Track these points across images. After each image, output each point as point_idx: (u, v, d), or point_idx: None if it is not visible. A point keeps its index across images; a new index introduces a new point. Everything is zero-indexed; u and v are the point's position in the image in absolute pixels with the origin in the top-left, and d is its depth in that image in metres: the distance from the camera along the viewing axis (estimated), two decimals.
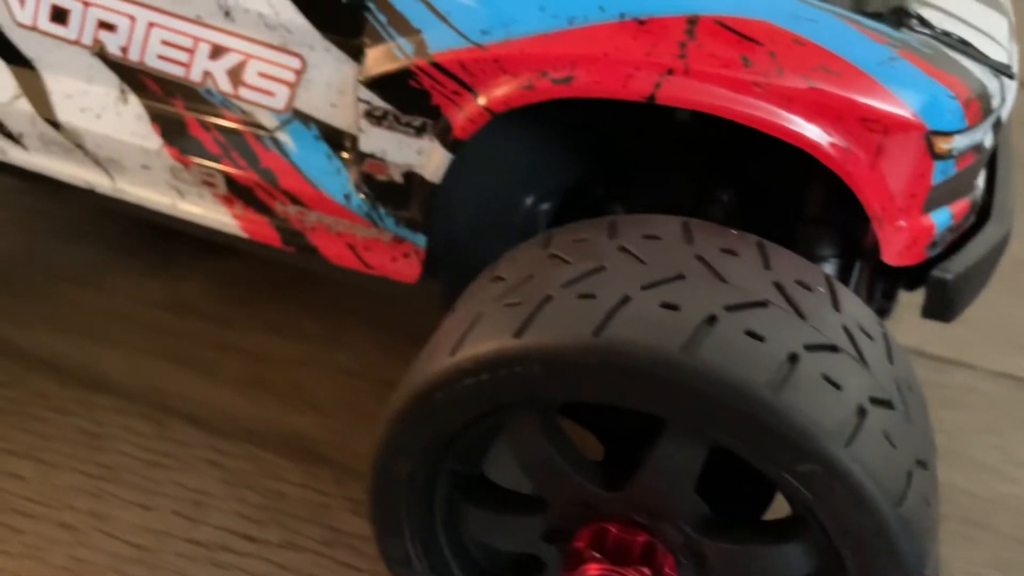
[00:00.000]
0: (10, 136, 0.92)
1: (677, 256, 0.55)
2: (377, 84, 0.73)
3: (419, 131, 0.74)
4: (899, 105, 0.65)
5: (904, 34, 0.70)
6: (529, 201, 0.86)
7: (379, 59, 0.73)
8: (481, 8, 0.69)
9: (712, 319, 0.53)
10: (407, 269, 0.84)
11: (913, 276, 0.78)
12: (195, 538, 0.84)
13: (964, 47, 0.72)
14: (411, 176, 0.77)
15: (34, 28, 0.85)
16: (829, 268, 0.79)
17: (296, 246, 0.87)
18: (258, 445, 0.91)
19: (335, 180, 0.81)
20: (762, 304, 0.56)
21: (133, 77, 0.85)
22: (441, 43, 0.70)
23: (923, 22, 0.72)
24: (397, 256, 0.84)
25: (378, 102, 0.74)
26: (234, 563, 0.82)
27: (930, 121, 0.66)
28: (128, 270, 1.12)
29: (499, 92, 0.68)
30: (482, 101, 0.69)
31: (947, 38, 0.71)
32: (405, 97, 0.73)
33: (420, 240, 0.81)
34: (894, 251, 0.72)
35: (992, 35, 0.77)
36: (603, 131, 0.83)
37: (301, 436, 0.92)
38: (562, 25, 0.67)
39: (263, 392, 0.97)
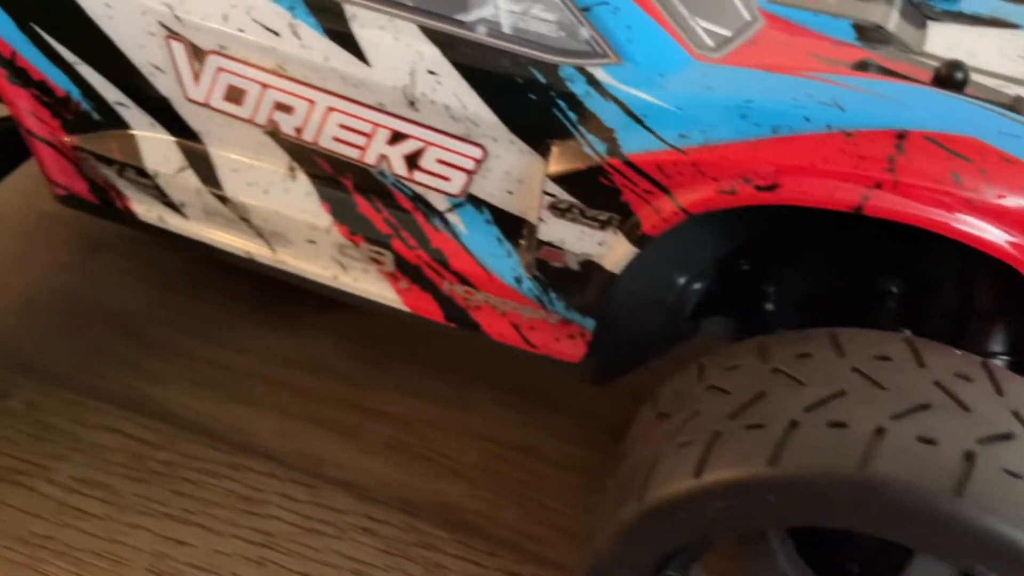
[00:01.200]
0: (171, 205, 0.94)
1: (914, 381, 0.56)
2: (565, 179, 0.75)
3: (604, 224, 0.76)
4: None
5: None
6: (683, 281, 0.88)
7: (568, 155, 0.75)
8: (679, 113, 0.71)
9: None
10: (572, 349, 0.85)
11: None
12: None
13: None
14: (589, 265, 0.79)
15: (206, 105, 0.87)
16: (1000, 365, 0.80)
17: (459, 322, 0.88)
18: (409, 513, 0.93)
19: (505, 263, 0.83)
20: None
21: (304, 155, 0.87)
22: (636, 144, 0.72)
23: None
24: (562, 336, 0.85)
25: (564, 195, 0.76)
26: None
27: None
28: (256, 326, 1.14)
29: (698, 195, 0.70)
30: (679, 202, 0.71)
31: None
32: (593, 193, 0.74)
33: (589, 324, 0.82)
34: None
35: None
36: (763, 213, 0.85)
37: (450, 504, 0.94)
38: (765, 134, 0.68)
39: (407, 457, 0.99)
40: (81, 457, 0.96)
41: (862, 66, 0.77)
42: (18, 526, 0.89)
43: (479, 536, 0.90)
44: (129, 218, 0.97)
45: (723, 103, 0.69)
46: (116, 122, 0.91)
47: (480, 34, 0.76)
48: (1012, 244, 0.68)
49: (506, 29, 0.76)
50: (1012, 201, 0.64)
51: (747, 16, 0.83)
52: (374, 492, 0.94)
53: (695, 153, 0.69)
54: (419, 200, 0.84)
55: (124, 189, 0.95)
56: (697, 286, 0.87)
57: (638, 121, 0.72)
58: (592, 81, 0.74)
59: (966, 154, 0.65)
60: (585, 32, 0.74)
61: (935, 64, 0.77)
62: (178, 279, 1.20)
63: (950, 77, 0.73)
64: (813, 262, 0.87)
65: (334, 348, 1.12)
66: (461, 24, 0.77)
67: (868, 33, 0.82)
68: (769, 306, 0.89)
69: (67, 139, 0.93)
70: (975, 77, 0.77)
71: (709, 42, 0.77)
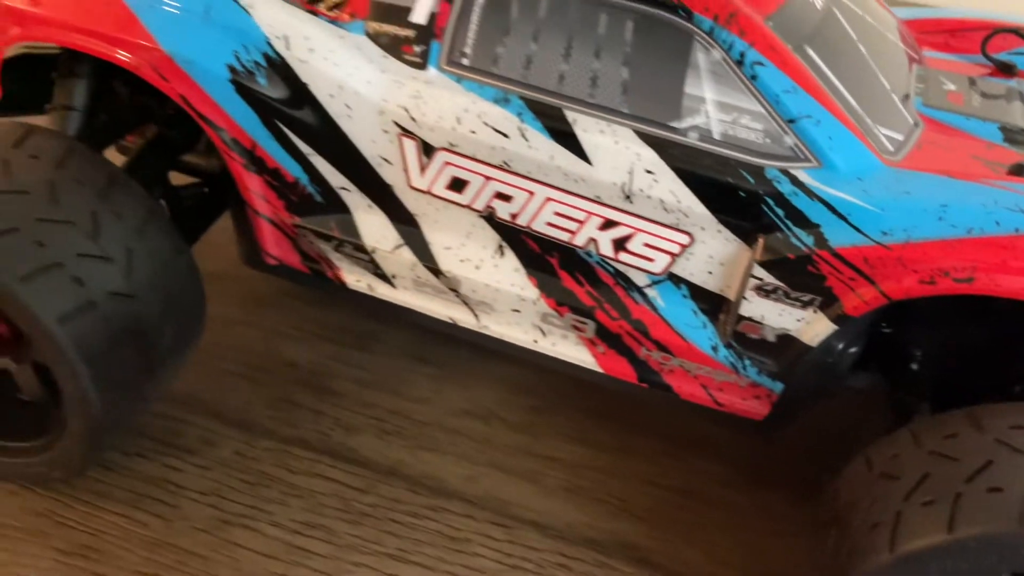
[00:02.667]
0: (382, 276, 1.05)
1: None
2: (773, 265, 0.86)
3: (806, 304, 0.87)
4: None
5: None
6: (841, 346, 0.99)
7: (776, 245, 0.86)
8: (882, 213, 0.82)
9: None
10: (757, 408, 0.97)
11: None
12: None
13: None
14: (786, 338, 0.90)
15: (428, 192, 0.99)
16: None
17: (651, 383, 1.00)
18: (598, 551, 1.04)
19: (701, 333, 0.95)
20: None
21: (514, 237, 0.99)
22: (842, 239, 0.84)
23: None
24: (748, 397, 0.97)
25: (770, 279, 0.87)
26: None
27: None
28: (426, 378, 1.25)
29: (900, 284, 0.81)
30: (882, 289, 0.82)
31: None
32: (800, 278, 0.86)
33: (778, 387, 0.94)
34: None
35: None
36: None
37: (632, 543, 1.04)
38: (961, 234, 0.80)
39: (584, 499, 1.10)
40: (297, 502, 1.07)
41: (1019, 168, 0.89)
42: (257, 567, 0.99)
43: (663, 572, 1.01)
44: (338, 286, 1.08)
45: (921, 206, 0.81)
46: (337, 204, 1.03)
47: (692, 139, 0.88)
48: None
49: (716, 135, 0.88)
50: None
51: (911, 120, 0.95)
52: (562, 532, 1.05)
53: (899, 249, 0.81)
54: (621, 277, 0.96)
55: (337, 261, 1.06)
56: (853, 350, 0.99)
57: (843, 219, 0.83)
58: (796, 182, 0.85)
59: None
60: (790, 140, 0.86)
61: None
62: (343, 334, 1.31)
63: None
64: (953, 328, 0.99)
65: (498, 398, 1.23)
66: (675, 130, 0.89)
67: (1014, 135, 0.94)
68: (914, 366, 1.01)
69: (289, 218, 1.05)
70: None
71: (890, 147, 0.89)
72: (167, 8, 0.94)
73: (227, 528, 1.03)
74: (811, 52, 0.89)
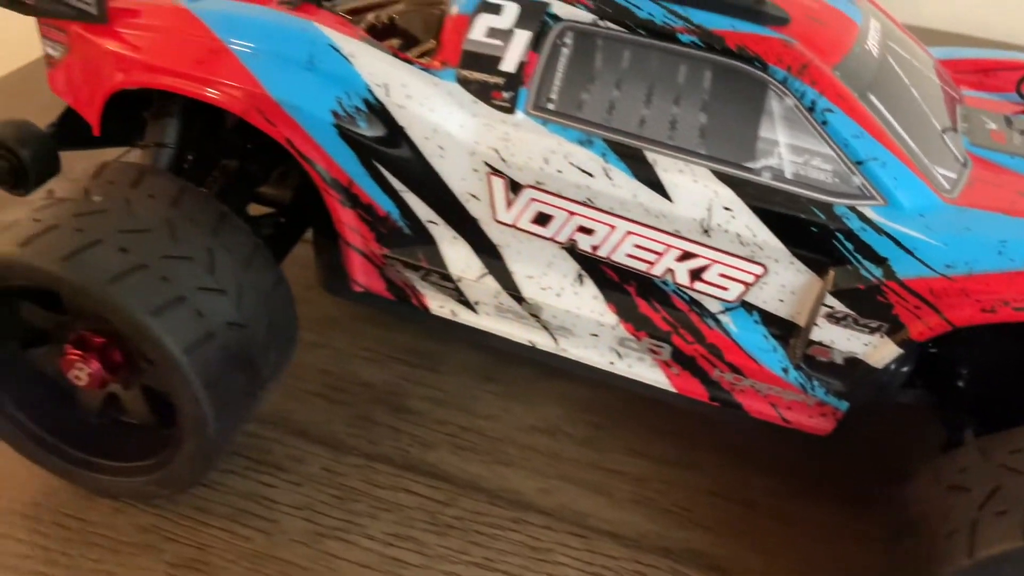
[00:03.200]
0: (466, 303, 1.12)
1: None
2: (843, 295, 0.94)
3: (873, 331, 0.95)
4: None
5: None
6: (895, 366, 1.06)
7: (846, 276, 0.94)
8: (945, 248, 0.90)
9: None
10: (822, 425, 1.04)
11: None
12: None
13: None
14: (853, 361, 0.98)
15: (512, 225, 1.06)
16: None
17: (721, 402, 1.07)
18: (670, 558, 1.11)
19: (772, 356, 1.02)
20: None
21: (593, 266, 1.06)
22: (909, 271, 0.91)
23: None
24: (815, 415, 1.04)
25: (840, 307, 0.95)
26: None
27: None
28: (494, 395, 1.32)
29: (963, 312, 0.89)
30: (946, 317, 0.90)
31: None
32: (868, 306, 0.94)
33: (843, 405, 1.01)
34: None
35: None
36: None
37: (701, 551, 1.12)
38: (1019, 267, 0.87)
39: (652, 510, 1.17)
40: (386, 515, 1.13)
41: None
42: None
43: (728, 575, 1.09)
44: (422, 312, 1.15)
45: (982, 242, 0.89)
46: (424, 236, 1.10)
47: (766, 178, 0.96)
48: None
49: (788, 175, 0.95)
50: None
51: (961, 159, 1.03)
52: (636, 541, 1.12)
53: (962, 281, 0.89)
54: (696, 304, 1.03)
55: (422, 289, 1.13)
56: (905, 369, 1.06)
57: (909, 253, 0.91)
58: (864, 219, 0.93)
59: None
60: (857, 180, 0.93)
61: None
62: (411, 355, 1.38)
63: None
64: (995, 348, 1.06)
65: (561, 414, 1.30)
66: (750, 170, 0.96)
67: None
68: (960, 383, 1.08)
69: (379, 249, 1.12)
70: None
71: (946, 185, 0.97)
72: (274, 58, 1.01)
73: (323, 540, 1.10)
74: (873, 99, 0.97)
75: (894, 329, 0.94)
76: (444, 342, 1.41)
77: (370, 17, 1.12)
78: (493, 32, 1.01)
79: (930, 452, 1.18)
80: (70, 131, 1.32)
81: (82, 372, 1.02)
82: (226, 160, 1.25)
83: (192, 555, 1.07)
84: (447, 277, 1.11)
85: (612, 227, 1.02)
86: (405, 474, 1.19)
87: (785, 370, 1.02)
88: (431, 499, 1.16)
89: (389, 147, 1.04)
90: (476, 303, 1.12)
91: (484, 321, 1.13)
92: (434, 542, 1.11)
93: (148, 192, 1.00)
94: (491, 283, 1.10)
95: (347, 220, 1.09)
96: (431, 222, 1.09)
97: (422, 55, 1.07)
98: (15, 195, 1.30)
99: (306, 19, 1.06)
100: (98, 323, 1.01)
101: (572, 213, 1.02)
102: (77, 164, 1.09)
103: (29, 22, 1.24)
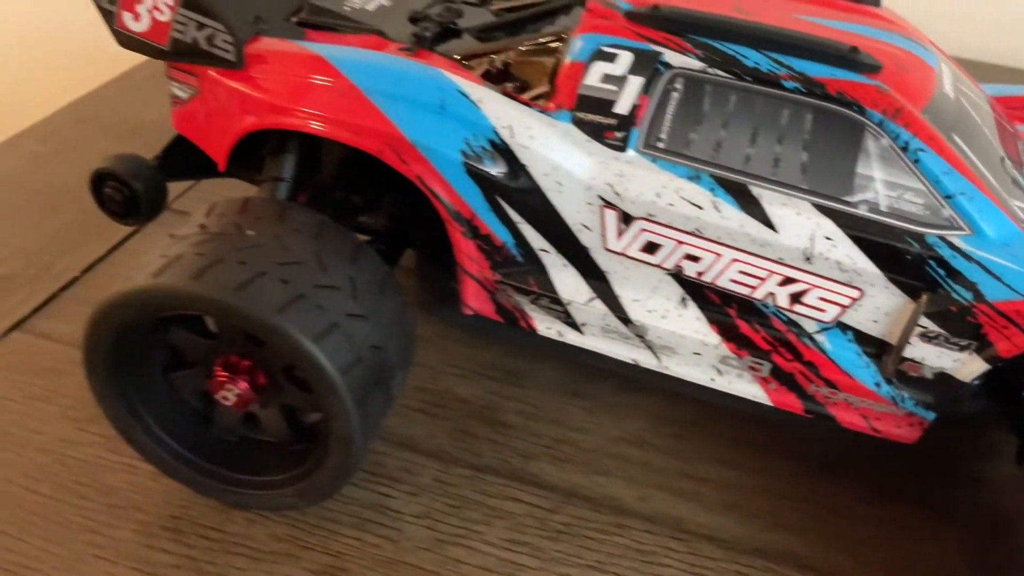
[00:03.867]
0: (573, 325, 1.21)
1: None
2: (937, 316, 1.04)
3: (963, 348, 1.05)
4: None
5: None
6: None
7: (939, 299, 1.04)
8: None
9: None
10: (909, 434, 1.14)
11: None
12: None
13: None
14: (943, 376, 1.08)
15: (622, 254, 1.15)
16: None
17: (815, 415, 1.16)
18: (767, 559, 1.20)
19: (865, 371, 1.12)
20: None
21: (697, 290, 1.15)
22: (997, 295, 1.01)
23: None
24: (903, 425, 1.13)
25: (933, 327, 1.04)
26: None
27: None
28: (581, 410, 1.41)
29: None
30: None
31: None
32: (959, 327, 1.03)
33: (930, 416, 1.11)
34: None
35: None
36: None
37: (793, 552, 1.21)
38: None
39: (742, 515, 1.26)
40: (499, 522, 1.22)
41: None
42: None
43: (819, 574, 1.18)
44: (529, 333, 1.23)
45: None
46: (535, 263, 1.19)
47: (863, 211, 1.05)
48: None
49: (883, 208, 1.05)
50: None
51: None
52: (732, 543, 1.21)
53: None
54: (794, 324, 1.13)
55: (531, 312, 1.22)
56: (977, 382, 1.16)
57: (997, 278, 1.01)
58: (954, 247, 1.03)
59: None
60: (947, 212, 1.03)
61: None
62: (498, 371, 1.46)
63: None
64: None
65: (646, 426, 1.39)
66: (849, 203, 1.06)
67: None
68: None
69: (492, 275, 1.20)
70: None
71: (1022, 216, 1.07)
72: (408, 102, 1.10)
73: (445, 547, 1.18)
74: (957, 138, 1.07)
75: (983, 347, 1.04)
76: (527, 359, 1.50)
77: (484, 63, 1.21)
78: (607, 78, 1.10)
79: (994, 459, 1.30)
80: (173, 164, 1.39)
81: (231, 393, 1.10)
82: (335, 192, 1.33)
83: (329, 562, 1.15)
84: (557, 301, 1.19)
85: (718, 255, 1.11)
86: (511, 483, 1.28)
87: (878, 384, 1.11)
88: (538, 507, 1.25)
89: (511, 183, 1.12)
90: (583, 324, 1.21)
91: (589, 341, 1.22)
92: (548, 547, 1.20)
93: (293, 226, 1.08)
94: (599, 306, 1.18)
95: (466, 249, 1.18)
96: (543, 250, 1.18)
97: (534, 99, 1.16)
98: (124, 224, 1.38)
99: (432, 66, 1.15)
100: (245, 348, 1.09)
101: (680, 242, 1.11)
102: (214, 199, 1.17)
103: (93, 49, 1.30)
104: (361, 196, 1.36)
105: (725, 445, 1.37)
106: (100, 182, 1.36)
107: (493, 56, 1.21)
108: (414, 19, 1.31)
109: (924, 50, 1.19)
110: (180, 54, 1.18)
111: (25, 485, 1.21)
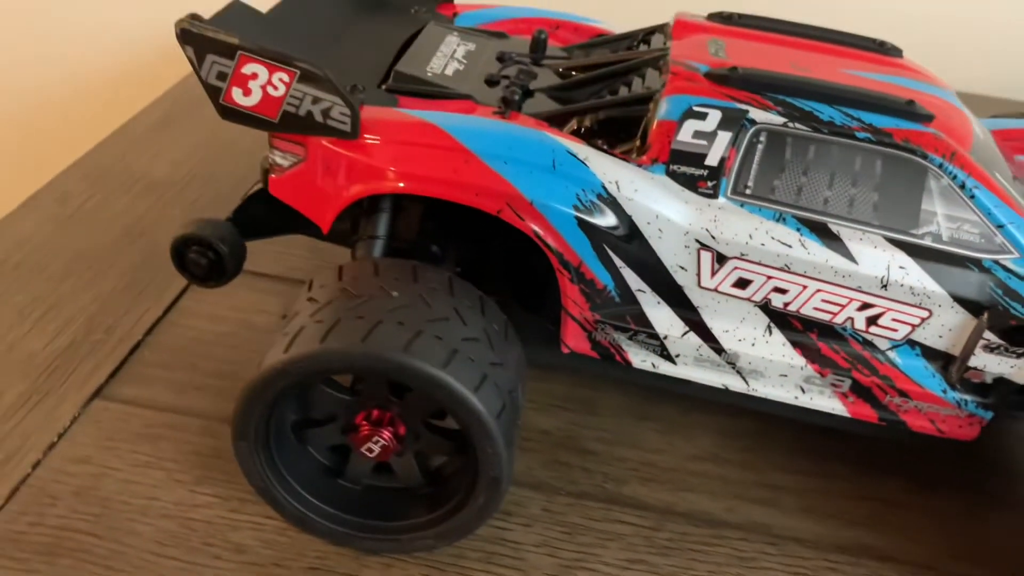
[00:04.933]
0: (667, 357, 1.32)
1: None
2: (999, 330, 1.20)
3: (1019, 355, 1.21)
4: None
5: None
6: None
7: (998, 315, 1.20)
8: None
9: None
10: (969, 432, 1.30)
11: None
12: None
13: None
14: (1000, 380, 1.24)
15: (715, 290, 1.26)
16: None
17: (888, 422, 1.31)
18: (851, 554, 1.33)
19: (932, 380, 1.27)
20: None
21: (782, 319, 1.28)
22: None
23: None
24: (964, 424, 1.29)
25: (995, 340, 1.21)
26: None
27: None
28: (654, 432, 1.52)
29: None
30: None
31: None
32: (1017, 338, 1.20)
33: (988, 415, 1.27)
34: None
35: None
36: None
37: (871, 545, 1.35)
38: None
39: (819, 516, 1.39)
40: (611, 544, 1.31)
41: None
42: None
43: (901, 563, 1.32)
44: (624, 366, 1.33)
45: None
46: (631, 302, 1.29)
47: (928, 241, 1.21)
48: None
49: (945, 238, 1.21)
50: None
51: None
52: (818, 542, 1.35)
53: None
54: (868, 343, 1.27)
55: (626, 347, 1.32)
56: None
57: None
58: (1007, 269, 1.19)
59: None
60: (999, 239, 1.20)
61: None
62: (571, 402, 1.55)
63: None
64: None
65: (715, 443, 1.51)
66: (916, 235, 1.21)
67: None
68: None
69: (591, 316, 1.29)
70: None
71: None
72: (523, 164, 1.19)
73: (571, 572, 1.27)
74: (998, 175, 1.24)
75: None
76: (593, 388, 1.60)
77: (573, 123, 1.31)
78: (698, 134, 1.22)
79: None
80: (247, 224, 1.43)
81: (376, 444, 1.15)
82: (423, 245, 1.40)
83: None
84: (654, 336, 1.30)
85: (804, 287, 1.24)
86: (612, 507, 1.38)
87: (944, 391, 1.27)
88: (642, 526, 1.35)
89: (616, 231, 1.23)
90: (677, 356, 1.32)
91: (683, 371, 1.33)
92: (662, 562, 1.30)
93: (430, 285, 1.16)
94: (693, 339, 1.30)
95: (572, 294, 1.27)
96: (639, 290, 1.28)
97: (630, 151, 1.27)
98: (205, 287, 1.41)
99: (537, 128, 1.24)
100: (386, 401, 1.15)
101: (770, 277, 1.24)
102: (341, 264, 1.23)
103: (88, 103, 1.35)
104: (441, 247, 1.44)
105: (787, 454, 1.51)
106: (183, 247, 1.39)
107: (578, 117, 1.31)
108: (491, 81, 1.40)
109: (952, 96, 1.36)
110: (290, 126, 1.23)
111: (158, 552, 1.23)
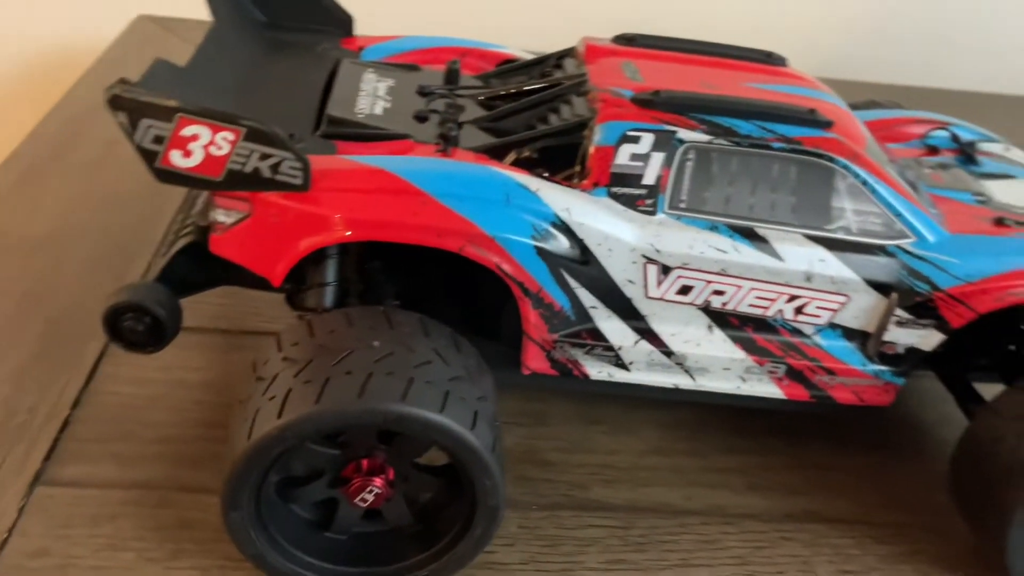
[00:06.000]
0: (621, 364, 1.39)
1: None
2: (907, 306, 1.35)
3: (924, 326, 1.37)
4: None
5: None
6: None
7: (906, 294, 1.35)
8: (960, 265, 1.35)
9: None
10: (885, 398, 1.46)
11: None
12: None
13: None
14: (911, 350, 1.40)
15: (660, 299, 1.35)
16: None
17: (818, 399, 1.45)
18: (796, 520, 1.46)
19: (854, 356, 1.41)
20: None
21: (721, 317, 1.38)
22: (946, 283, 1.35)
23: None
24: (881, 392, 1.45)
25: (904, 315, 1.36)
26: None
27: None
28: (603, 434, 1.59)
29: (985, 304, 1.34)
30: (974, 309, 1.34)
31: None
32: (922, 311, 1.36)
33: (901, 381, 1.43)
34: None
35: None
36: None
37: (811, 510, 1.49)
38: (1011, 268, 1.34)
39: (764, 491, 1.52)
40: (590, 548, 1.37)
41: (1000, 220, 1.46)
42: None
43: (840, 521, 1.47)
44: (583, 380, 1.39)
45: (984, 256, 1.35)
46: (584, 319, 1.35)
47: (841, 234, 1.34)
48: None
49: (854, 230, 1.35)
50: None
51: (931, 200, 1.48)
52: (769, 516, 1.48)
53: (981, 284, 1.34)
54: (796, 331, 1.40)
55: (582, 361, 1.38)
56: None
57: (943, 271, 1.35)
58: (908, 252, 1.35)
59: None
60: (898, 226, 1.35)
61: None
62: (523, 417, 1.61)
63: None
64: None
65: (660, 436, 1.61)
66: (830, 230, 1.34)
67: (981, 199, 1.52)
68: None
69: (549, 336, 1.34)
70: None
71: (942, 221, 1.41)
72: (479, 201, 1.22)
73: None
74: (890, 170, 1.39)
75: (941, 324, 1.38)
76: (541, 400, 1.66)
77: (512, 154, 1.35)
78: (634, 156, 1.30)
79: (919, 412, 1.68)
80: (176, 281, 1.38)
81: (370, 493, 1.16)
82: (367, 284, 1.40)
83: None
84: (609, 348, 1.37)
85: (739, 287, 1.35)
86: (582, 513, 1.44)
87: (864, 365, 1.42)
88: (614, 527, 1.43)
89: (570, 255, 1.28)
90: (631, 363, 1.40)
91: (636, 376, 1.41)
92: (639, 558, 1.38)
93: (405, 330, 1.17)
94: (645, 346, 1.38)
95: (532, 319, 1.32)
96: (593, 307, 1.35)
97: (569, 177, 1.33)
98: (143, 353, 1.35)
99: (485, 165, 1.27)
100: (374, 449, 1.16)
101: (709, 282, 1.34)
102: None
103: None
104: (382, 284, 1.45)
105: (725, 437, 1.63)
106: (117, 316, 1.32)
107: (516, 148, 1.36)
108: (420, 117, 1.42)
109: (835, 97, 1.51)
110: (236, 184, 1.20)
111: None
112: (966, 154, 1.70)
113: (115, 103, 1.14)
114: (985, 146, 1.76)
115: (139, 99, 1.13)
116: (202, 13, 1.57)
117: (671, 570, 1.37)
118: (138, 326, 1.33)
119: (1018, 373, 1.52)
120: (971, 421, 1.42)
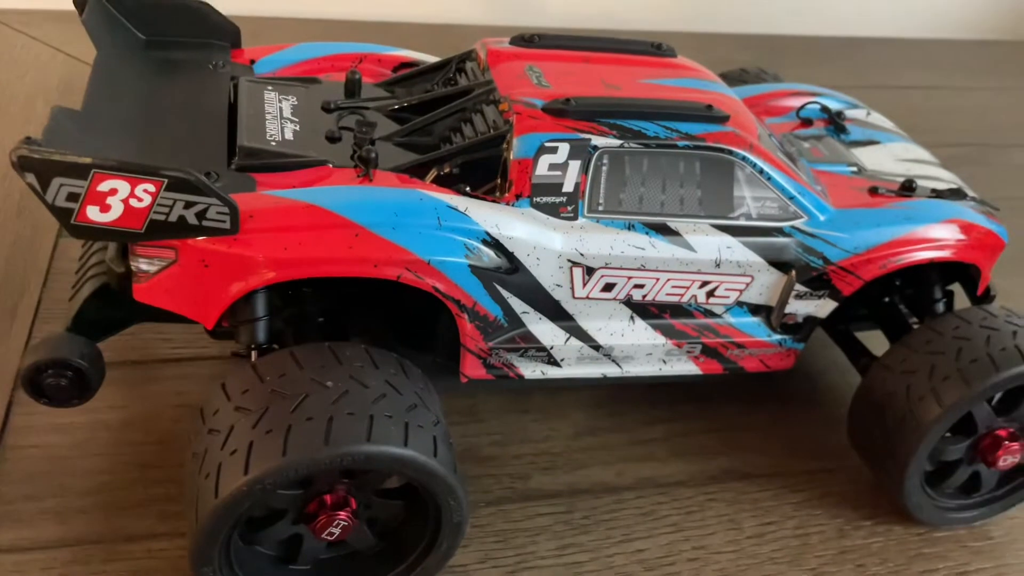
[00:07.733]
0: (553, 362, 1.44)
1: None
2: (804, 281, 1.47)
3: (820, 296, 1.50)
4: None
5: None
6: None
7: (803, 269, 1.47)
8: (850, 238, 1.48)
9: None
10: (787, 362, 1.60)
11: None
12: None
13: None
14: (809, 318, 1.53)
15: (586, 298, 1.41)
16: None
17: (730, 370, 1.56)
18: (719, 481, 1.60)
19: (760, 329, 1.53)
20: None
21: (642, 308, 1.46)
22: (836, 256, 1.49)
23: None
24: (783, 357, 1.58)
25: (802, 288, 1.49)
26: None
27: None
28: (534, 421, 1.67)
29: (870, 272, 1.48)
30: (862, 277, 1.48)
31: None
32: (817, 284, 1.49)
33: (800, 346, 1.57)
34: None
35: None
36: None
37: (730, 468, 1.62)
38: (890, 238, 1.47)
39: (687, 457, 1.64)
40: (540, 537, 1.45)
41: (874, 189, 1.60)
42: None
43: (757, 475, 1.61)
44: (518, 380, 1.44)
45: (867, 229, 1.48)
46: (517, 324, 1.40)
47: (743, 221, 1.44)
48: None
49: (755, 216, 1.45)
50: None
51: (813, 175, 1.60)
52: (694, 480, 1.60)
53: (866, 254, 1.49)
54: (709, 312, 1.50)
55: (517, 363, 1.44)
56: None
57: (833, 245, 1.48)
58: (801, 231, 1.47)
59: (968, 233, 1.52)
60: (792, 208, 1.47)
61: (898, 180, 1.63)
62: (455, 415, 1.65)
63: (910, 186, 1.60)
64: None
65: (586, 416, 1.70)
66: (733, 218, 1.44)
67: (857, 171, 1.65)
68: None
69: (484, 345, 1.38)
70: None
71: (828, 198, 1.53)
72: (411, 228, 1.23)
73: (520, 574, 1.39)
74: (781, 155, 1.50)
75: (834, 293, 1.52)
76: (469, 396, 1.70)
77: (433, 171, 1.35)
78: (552, 166, 1.34)
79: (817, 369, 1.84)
80: (89, 328, 1.33)
81: (336, 527, 1.17)
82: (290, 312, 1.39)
83: None
84: (541, 349, 1.43)
85: (657, 279, 1.44)
86: (527, 504, 1.52)
87: (768, 336, 1.55)
88: (558, 513, 1.51)
89: (501, 268, 1.32)
90: (562, 360, 1.46)
91: (568, 371, 1.48)
92: (585, 540, 1.47)
93: (355, 364, 1.18)
94: (574, 343, 1.45)
95: (468, 331, 1.36)
96: (524, 312, 1.40)
97: (492, 191, 1.35)
98: (69, 407, 1.30)
99: (407, 186, 1.27)
100: (336, 483, 1.17)
101: (630, 278, 1.42)
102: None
103: None
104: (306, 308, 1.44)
105: (645, 409, 1.74)
106: (37, 375, 1.26)
107: (438, 165, 1.37)
108: (332, 138, 1.40)
109: (726, 88, 1.60)
110: (159, 233, 1.16)
111: None
112: (835, 123, 1.86)
113: (24, 164, 1.07)
114: (850, 112, 1.92)
115: (49, 159, 1.07)
116: (33, 3, 1.45)
117: (616, 546, 1.48)
118: (61, 381, 1.28)
119: (892, 322, 1.71)
120: (863, 375, 1.59)
